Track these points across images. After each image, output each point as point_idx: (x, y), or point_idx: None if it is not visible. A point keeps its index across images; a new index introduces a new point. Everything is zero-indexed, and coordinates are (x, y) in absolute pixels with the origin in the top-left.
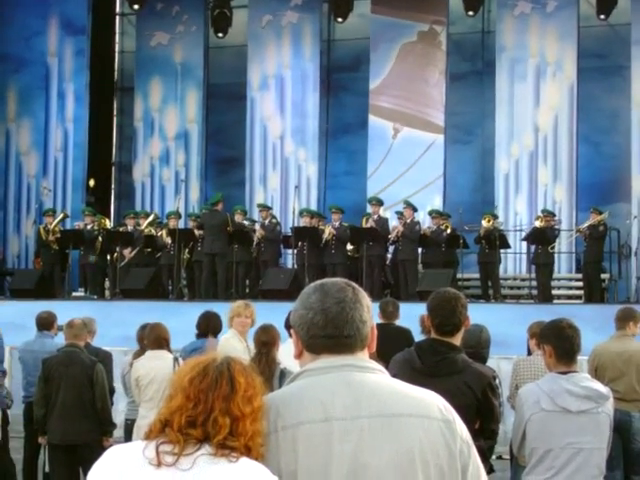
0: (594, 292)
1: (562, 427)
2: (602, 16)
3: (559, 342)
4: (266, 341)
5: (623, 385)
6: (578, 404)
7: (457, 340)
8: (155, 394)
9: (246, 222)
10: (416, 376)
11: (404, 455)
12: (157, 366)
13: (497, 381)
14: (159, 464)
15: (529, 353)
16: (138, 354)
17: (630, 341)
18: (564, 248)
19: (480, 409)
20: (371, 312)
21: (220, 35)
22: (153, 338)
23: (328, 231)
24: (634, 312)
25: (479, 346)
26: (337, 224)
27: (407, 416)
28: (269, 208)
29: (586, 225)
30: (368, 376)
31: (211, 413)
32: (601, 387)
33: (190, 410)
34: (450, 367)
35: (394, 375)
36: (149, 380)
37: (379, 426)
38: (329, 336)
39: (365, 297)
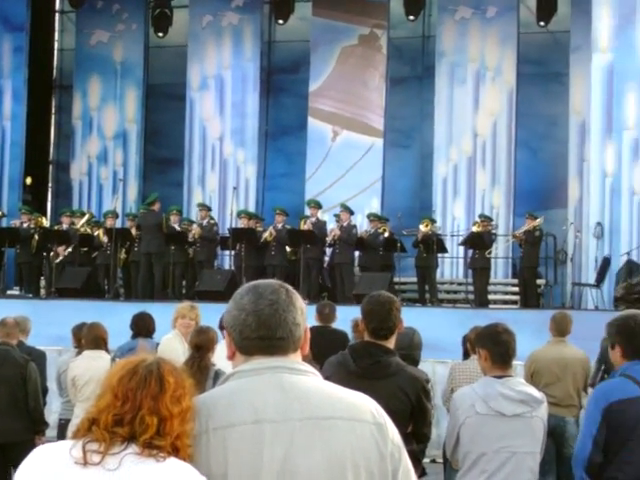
0: (530, 297)
1: (496, 431)
2: (542, 23)
3: (495, 346)
4: (200, 344)
5: (559, 390)
6: (512, 408)
7: (391, 343)
8: (92, 394)
9: (177, 226)
10: (350, 379)
11: (335, 458)
12: (94, 366)
13: (430, 385)
14: (85, 463)
15: (465, 357)
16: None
17: (565, 347)
18: (501, 253)
19: (413, 413)
20: (305, 314)
21: (160, 35)
22: (91, 338)
23: (269, 232)
24: (568, 318)
25: (411, 348)
26: (280, 226)
27: (338, 419)
28: (209, 209)
29: (522, 230)
30: (300, 378)
31: (139, 411)
32: (535, 392)
33: (118, 408)
34: (384, 370)
35: (328, 377)
36: (86, 380)
37: (310, 429)
38: (261, 338)
39: (299, 299)
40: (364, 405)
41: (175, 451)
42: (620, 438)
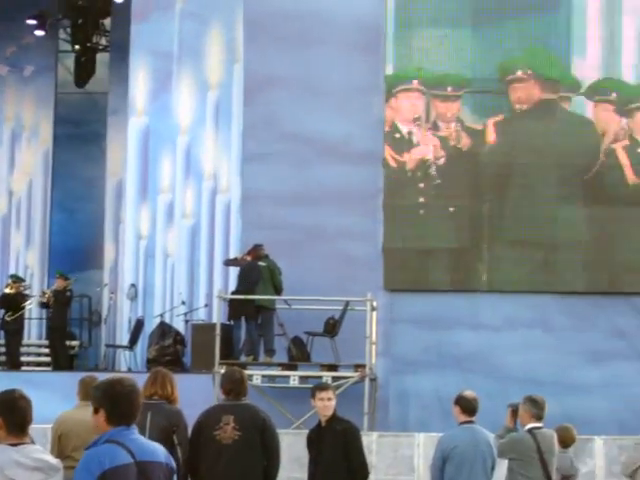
0: (60, 359)
1: None
2: (80, 83)
3: (10, 414)
4: None
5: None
6: (28, 475)
7: None
8: None
9: None
10: None
11: None
12: None
13: None
14: None
15: None
16: None
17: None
18: (34, 314)
19: None
20: None
21: None
22: None
23: None
24: (94, 380)
25: None
26: None
27: None
28: None
29: (50, 290)
30: None
31: None
32: (51, 459)
33: None
34: None
35: None
36: None
37: None
38: None
39: None
40: None
41: None
42: None
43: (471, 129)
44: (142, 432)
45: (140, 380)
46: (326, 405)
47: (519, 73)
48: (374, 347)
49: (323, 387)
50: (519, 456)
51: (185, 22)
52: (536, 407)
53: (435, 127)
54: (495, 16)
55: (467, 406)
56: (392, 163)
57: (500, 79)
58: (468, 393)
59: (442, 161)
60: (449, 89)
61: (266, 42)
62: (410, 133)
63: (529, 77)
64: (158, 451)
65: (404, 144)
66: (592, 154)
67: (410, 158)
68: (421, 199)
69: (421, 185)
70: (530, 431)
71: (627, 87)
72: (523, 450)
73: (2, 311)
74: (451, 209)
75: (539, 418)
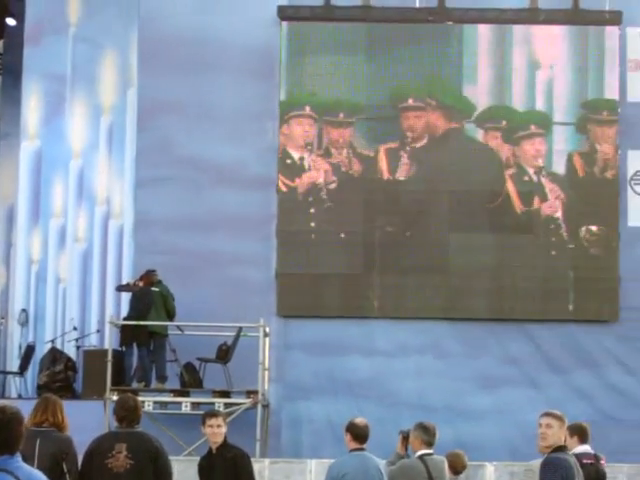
0: None
1: None
2: None
3: None
4: None
5: None
6: None
7: None
8: None
9: None
10: None
11: None
12: None
13: None
14: None
15: None
16: None
17: None
18: None
19: None
20: None
21: None
22: None
23: None
24: None
25: None
26: None
27: None
28: None
29: None
30: None
31: None
32: None
33: None
34: None
35: None
36: None
37: None
38: None
39: None
40: None
41: None
42: None
43: (363, 155)
44: (31, 460)
45: (31, 407)
46: (215, 432)
47: (410, 101)
48: (267, 373)
49: (213, 414)
50: None
51: (78, 46)
52: (427, 434)
53: (327, 153)
54: (389, 44)
55: (358, 433)
56: (284, 189)
57: (393, 106)
58: (359, 420)
59: (333, 186)
60: (341, 115)
61: (160, 67)
62: (302, 159)
63: (422, 104)
64: (44, 479)
65: (295, 170)
66: (483, 180)
67: (301, 183)
68: (312, 224)
69: (312, 210)
70: (421, 457)
71: (516, 115)
72: (414, 476)
73: None
74: (342, 235)
75: (430, 444)
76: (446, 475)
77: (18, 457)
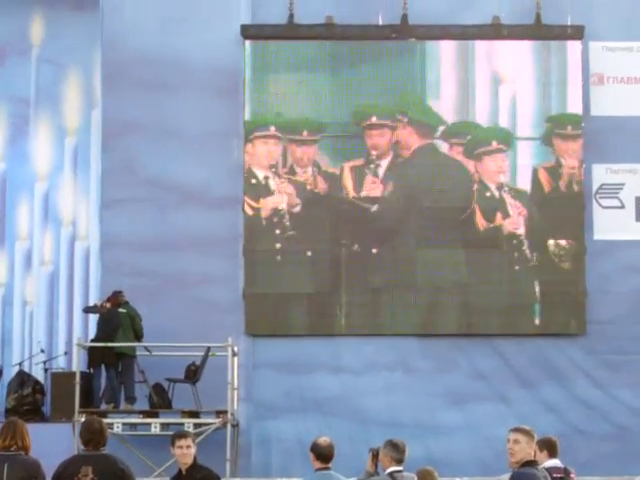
0: None
1: None
2: None
3: None
4: None
5: None
6: None
7: None
8: None
9: None
10: None
11: None
12: None
13: None
14: None
15: None
16: None
17: None
18: None
19: None
20: None
21: None
22: None
23: None
24: None
25: None
26: None
27: None
28: None
29: None
30: None
31: None
32: None
33: None
34: None
35: None
36: None
37: None
38: None
39: None
40: None
41: None
42: None
43: (328, 173)
44: None
45: None
46: (185, 453)
47: (374, 119)
48: (236, 393)
49: (181, 435)
50: None
51: (42, 67)
52: (396, 451)
53: (292, 172)
54: (352, 61)
55: (320, 452)
56: (248, 210)
57: (357, 123)
58: (322, 440)
59: (298, 208)
60: (305, 133)
61: (124, 87)
62: (267, 178)
63: (387, 122)
64: None
65: (261, 190)
66: (451, 197)
67: (265, 206)
68: (278, 245)
69: (277, 231)
70: (391, 475)
71: (480, 131)
72: None
73: None
74: (309, 253)
75: (399, 461)
76: None
77: None
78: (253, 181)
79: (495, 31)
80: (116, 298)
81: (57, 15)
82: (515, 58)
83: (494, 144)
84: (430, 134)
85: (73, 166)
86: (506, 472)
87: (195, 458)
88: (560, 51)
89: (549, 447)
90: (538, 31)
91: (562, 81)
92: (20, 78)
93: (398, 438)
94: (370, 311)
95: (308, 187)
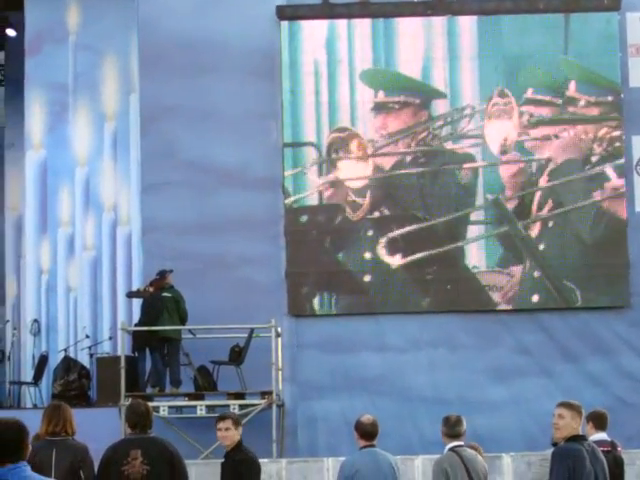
0: None
1: None
2: None
3: None
4: None
5: None
6: None
7: None
8: None
9: None
10: None
11: None
12: None
13: None
14: None
15: None
16: None
17: None
18: None
19: None
20: None
21: None
22: None
23: None
24: None
25: None
26: None
27: None
28: None
29: None
30: None
31: None
32: None
33: None
34: None
35: None
36: None
37: None
38: None
39: None
40: None
41: None
42: None
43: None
44: (48, 469)
45: None
46: (224, 435)
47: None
48: (280, 373)
49: (221, 417)
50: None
51: (79, 54)
52: (446, 425)
53: None
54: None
55: (365, 430)
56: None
57: None
58: (365, 418)
59: None
60: None
61: (161, 71)
62: None
63: (419, 98)
64: None
65: None
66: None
67: None
68: None
69: None
70: (452, 449)
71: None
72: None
73: None
74: None
75: (452, 436)
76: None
77: (22, 466)
78: None
79: (530, 5)
80: (160, 281)
81: (93, 1)
82: (547, 31)
83: None
84: None
85: (113, 151)
86: (551, 447)
87: (240, 440)
88: (598, 22)
89: (595, 420)
90: (575, 3)
91: (600, 52)
92: (58, 65)
93: (454, 413)
94: (412, 289)
95: None
